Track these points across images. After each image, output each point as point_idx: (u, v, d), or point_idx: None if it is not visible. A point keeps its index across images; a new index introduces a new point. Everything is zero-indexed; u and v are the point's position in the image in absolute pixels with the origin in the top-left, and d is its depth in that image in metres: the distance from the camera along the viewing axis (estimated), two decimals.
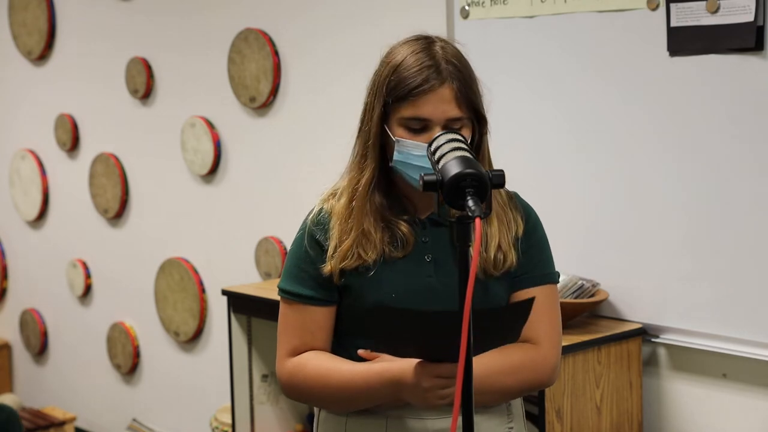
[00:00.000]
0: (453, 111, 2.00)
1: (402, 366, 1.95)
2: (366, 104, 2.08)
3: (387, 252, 2.05)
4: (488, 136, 2.08)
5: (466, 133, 2.02)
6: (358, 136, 2.10)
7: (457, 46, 2.09)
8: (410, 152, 2.00)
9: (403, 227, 2.06)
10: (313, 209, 2.14)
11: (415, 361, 1.93)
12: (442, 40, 2.07)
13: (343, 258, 2.05)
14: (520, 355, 2.05)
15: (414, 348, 1.91)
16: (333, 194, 2.13)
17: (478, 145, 2.06)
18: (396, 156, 2.02)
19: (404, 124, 2.01)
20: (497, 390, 2.05)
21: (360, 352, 2.07)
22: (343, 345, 2.13)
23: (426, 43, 2.05)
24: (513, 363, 2.03)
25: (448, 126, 2.00)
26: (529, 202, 2.16)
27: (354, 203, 2.07)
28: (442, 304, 2.04)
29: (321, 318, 2.10)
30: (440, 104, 1.99)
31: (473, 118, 2.04)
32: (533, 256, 2.10)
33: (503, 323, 1.90)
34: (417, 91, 1.99)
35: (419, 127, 2.00)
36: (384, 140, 2.05)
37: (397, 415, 2.05)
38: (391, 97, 2.01)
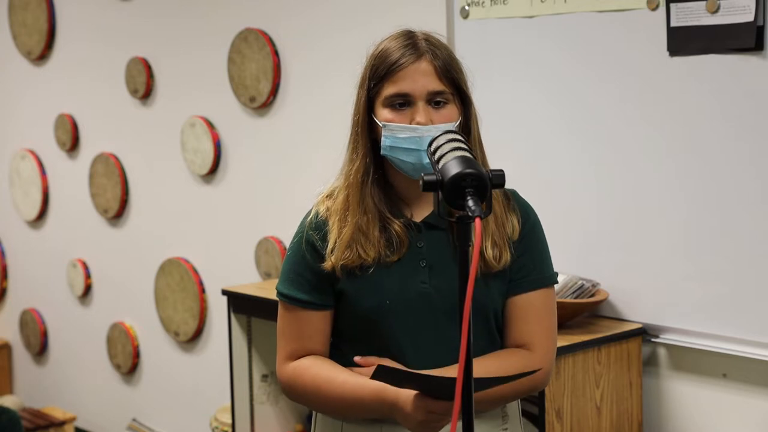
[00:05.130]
0: (434, 84, 2.01)
1: (398, 392, 1.95)
2: (355, 98, 2.10)
3: (383, 254, 2.05)
4: (477, 121, 2.09)
5: (451, 111, 2.03)
6: (350, 131, 2.11)
7: (442, 38, 2.11)
8: (396, 135, 2.01)
9: (398, 227, 2.06)
10: (309, 212, 2.14)
11: (411, 390, 1.93)
12: (424, 32, 2.10)
13: (343, 251, 2.05)
14: (515, 363, 2.05)
15: (413, 387, 1.92)
16: (329, 195, 2.13)
17: (467, 129, 2.07)
18: (384, 141, 2.03)
19: (388, 103, 2.03)
20: (492, 398, 2.04)
21: (356, 359, 2.07)
22: (339, 348, 2.13)
23: (407, 31, 2.09)
24: (508, 371, 2.02)
25: (431, 101, 2.01)
26: (528, 201, 2.15)
27: (350, 196, 2.07)
28: (436, 310, 2.04)
29: (318, 322, 2.11)
30: (420, 77, 2.01)
31: (458, 96, 2.05)
32: (531, 258, 2.09)
33: (505, 381, 1.92)
34: (395, 66, 2.02)
35: (402, 102, 2.02)
36: (374, 133, 2.06)
37: (392, 422, 2.04)
38: (374, 80, 2.04)
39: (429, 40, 2.05)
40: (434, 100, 2.02)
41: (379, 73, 2.03)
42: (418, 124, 2.00)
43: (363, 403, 2.00)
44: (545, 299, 2.10)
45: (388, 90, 2.02)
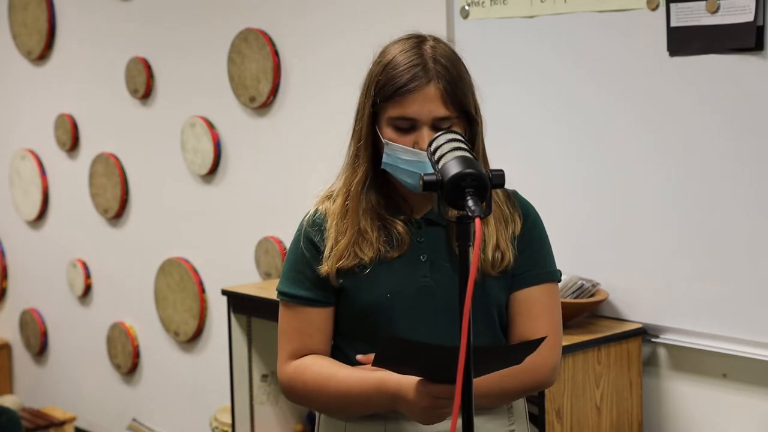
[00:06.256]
0: (439, 110, 1.99)
1: (400, 380, 1.94)
2: (358, 104, 2.09)
3: (383, 252, 2.05)
4: (483, 135, 2.08)
5: None
6: (351, 136, 2.10)
7: (451, 45, 2.08)
8: (398, 156, 2.01)
9: (399, 227, 2.06)
10: (308, 211, 2.14)
11: (413, 377, 1.92)
12: (434, 39, 2.07)
13: (339, 257, 2.05)
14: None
15: (416, 370, 1.91)
16: (328, 196, 2.13)
17: (472, 146, 2.05)
18: (385, 158, 2.03)
19: (392, 123, 2.01)
20: (497, 393, 2.05)
21: (358, 357, 2.07)
22: (339, 347, 2.13)
23: (417, 41, 2.05)
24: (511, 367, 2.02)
25: (436, 126, 1.99)
26: (528, 200, 2.15)
27: (348, 203, 2.07)
28: (437, 304, 2.04)
29: (319, 319, 2.10)
30: (426, 103, 1.99)
31: (464, 117, 2.03)
32: (532, 254, 2.09)
33: (508, 357, 1.90)
34: (403, 90, 1.99)
35: (407, 126, 2.00)
36: (376, 140, 2.05)
37: (396, 419, 2.04)
38: (380, 97, 2.02)
39: (437, 59, 2.01)
40: (439, 126, 2.00)
41: (385, 91, 2.01)
42: (421, 149, 1.99)
43: (365, 395, 2.00)
44: (549, 294, 2.10)
45: (393, 111, 2.01)
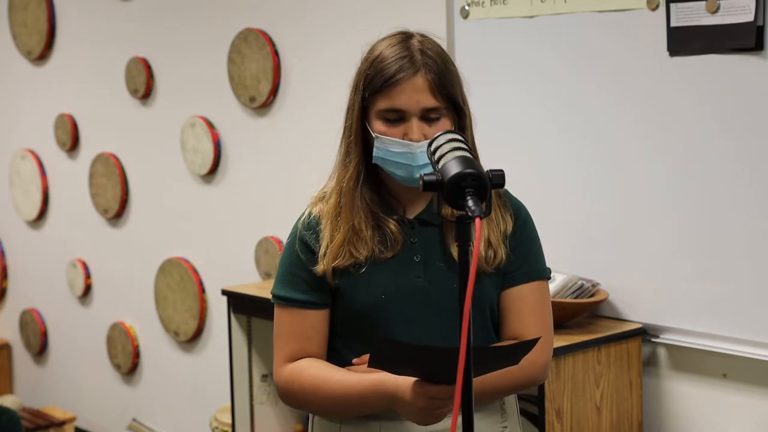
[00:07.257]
0: (428, 101, 2.01)
1: (397, 381, 1.94)
2: (348, 101, 2.10)
3: (377, 252, 2.05)
4: (472, 129, 2.08)
5: (444, 125, 2.02)
6: (342, 134, 2.12)
7: (438, 41, 2.10)
8: (388, 148, 2.02)
9: (392, 226, 2.06)
10: (303, 213, 2.15)
11: (410, 378, 1.92)
12: (421, 35, 2.09)
13: (335, 256, 2.06)
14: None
15: (411, 371, 1.91)
16: (321, 197, 2.14)
17: None
18: (375, 152, 2.04)
19: (381, 116, 2.03)
20: (490, 391, 2.05)
21: (354, 360, 2.07)
22: (336, 348, 2.13)
23: (404, 37, 2.07)
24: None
25: (425, 116, 2.01)
26: (520, 200, 2.16)
27: (342, 201, 2.08)
28: (432, 304, 2.05)
29: (315, 321, 2.10)
30: (414, 94, 2.00)
31: (452, 109, 2.04)
32: (523, 252, 2.10)
33: (505, 357, 1.90)
34: (391, 81, 2.01)
35: (396, 118, 2.02)
36: (367, 135, 2.06)
37: (391, 419, 2.05)
38: (369, 91, 2.03)
39: (424, 51, 2.03)
40: (428, 117, 2.01)
41: (374, 84, 2.02)
42: (410, 140, 2.00)
43: (362, 397, 2.00)
44: (539, 292, 2.11)
45: (382, 104, 2.02)
